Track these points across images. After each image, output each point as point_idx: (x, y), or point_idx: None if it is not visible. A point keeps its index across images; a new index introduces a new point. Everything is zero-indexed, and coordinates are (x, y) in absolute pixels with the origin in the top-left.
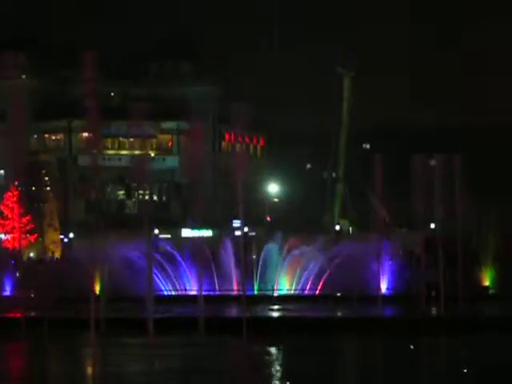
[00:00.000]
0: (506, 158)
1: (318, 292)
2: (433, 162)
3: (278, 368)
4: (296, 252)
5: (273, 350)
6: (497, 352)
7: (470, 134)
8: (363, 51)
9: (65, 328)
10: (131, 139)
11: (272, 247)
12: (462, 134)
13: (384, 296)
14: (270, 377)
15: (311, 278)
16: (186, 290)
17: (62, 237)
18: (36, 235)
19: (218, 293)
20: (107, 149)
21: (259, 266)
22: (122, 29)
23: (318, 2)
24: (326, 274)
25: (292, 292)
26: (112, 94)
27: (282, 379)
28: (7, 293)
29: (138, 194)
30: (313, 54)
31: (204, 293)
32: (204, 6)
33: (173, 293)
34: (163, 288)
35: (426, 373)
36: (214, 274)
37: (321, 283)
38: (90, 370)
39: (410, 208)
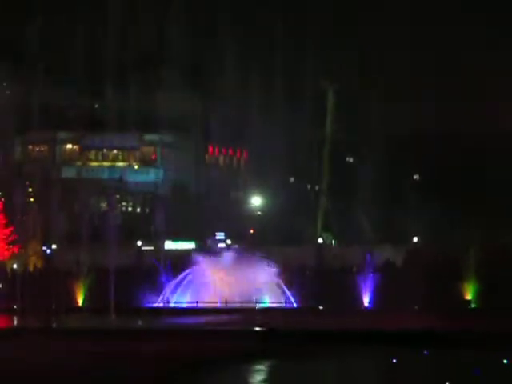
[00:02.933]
0: (493, 169)
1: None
2: None
3: None
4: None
5: None
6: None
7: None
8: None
9: None
10: (114, 151)
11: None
12: (447, 143)
13: (366, 309)
14: None
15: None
16: (168, 302)
17: (44, 248)
18: (19, 246)
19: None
20: (90, 160)
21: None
22: (104, 40)
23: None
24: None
25: (274, 305)
26: (96, 105)
27: None
28: None
29: (121, 206)
30: (298, 65)
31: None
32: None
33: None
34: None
35: None
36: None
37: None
38: None
39: (394, 222)
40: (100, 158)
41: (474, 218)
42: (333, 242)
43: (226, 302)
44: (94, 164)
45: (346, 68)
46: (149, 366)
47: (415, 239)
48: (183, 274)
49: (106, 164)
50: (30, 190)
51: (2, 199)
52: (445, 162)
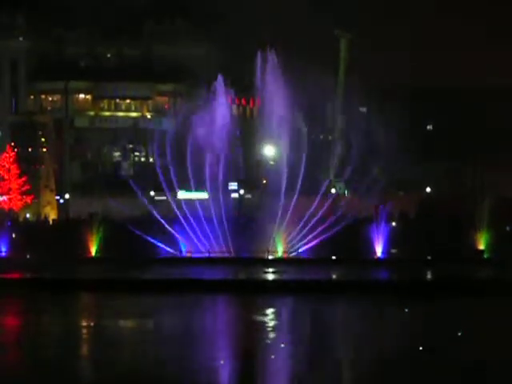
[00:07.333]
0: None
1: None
2: None
3: None
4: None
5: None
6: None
7: (471, 95)
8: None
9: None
10: (127, 101)
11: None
12: (462, 94)
13: (378, 259)
14: None
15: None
16: (180, 251)
17: (57, 198)
18: (32, 196)
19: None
20: (103, 110)
21: (255, 228)
22: None
23: None
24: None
25: (287, 255)
26: (108, 55)
27: None
28: (3, 254)
29: (134, 156)
30: (312, 15)
31: (198, 255)
32: None
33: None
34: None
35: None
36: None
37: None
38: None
39: (407, 172)
40: (113, 107)
41: (487, 168)
42: (345, 192)
43: (239, 252)
44: (107, 114)
45: (361, 17)
46: None
47: (428, 189)
48: (195, 224)
49: (118, 114)
50: (43, 139)
51: (15, 149)
52: (459, 112)
